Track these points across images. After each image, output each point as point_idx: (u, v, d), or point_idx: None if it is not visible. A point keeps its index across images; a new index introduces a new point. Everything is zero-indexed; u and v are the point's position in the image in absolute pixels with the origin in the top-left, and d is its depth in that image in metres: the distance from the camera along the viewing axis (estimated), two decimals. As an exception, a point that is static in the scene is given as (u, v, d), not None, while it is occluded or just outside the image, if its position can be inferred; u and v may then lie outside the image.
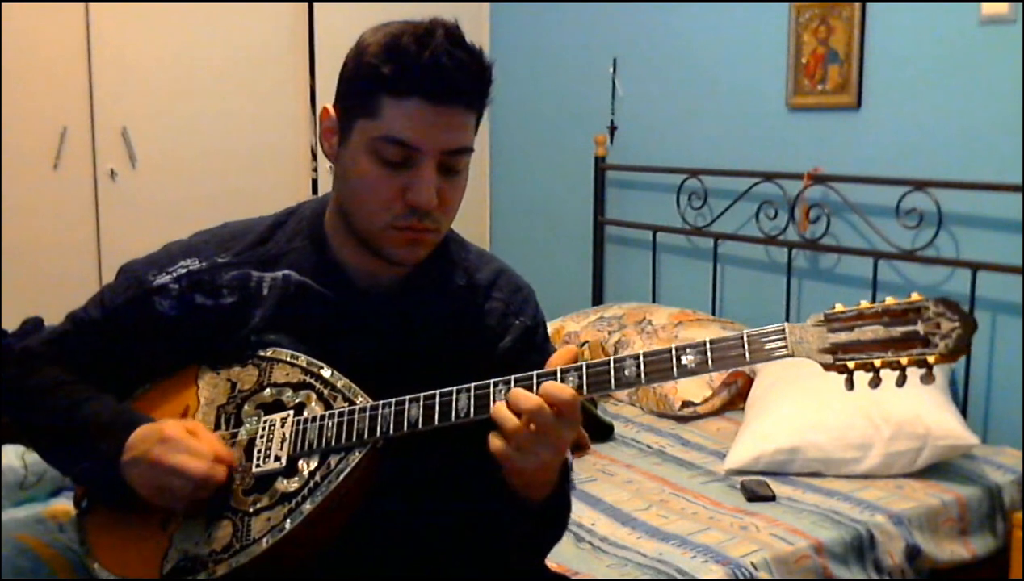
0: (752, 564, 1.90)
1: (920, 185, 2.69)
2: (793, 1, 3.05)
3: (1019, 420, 2.57)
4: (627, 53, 3.65)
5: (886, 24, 2.84)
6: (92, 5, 3.39)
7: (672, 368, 1.06)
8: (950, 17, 2.68)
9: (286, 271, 1.29)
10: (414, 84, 1.15)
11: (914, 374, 1.00)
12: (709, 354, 1.05)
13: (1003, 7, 2.55)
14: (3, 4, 3.22)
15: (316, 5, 3.76)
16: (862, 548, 2.07)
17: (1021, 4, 2.52)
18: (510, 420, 1.08)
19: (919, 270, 2.76)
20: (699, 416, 2.80)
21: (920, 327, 0.99)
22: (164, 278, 1.29)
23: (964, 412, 2.60)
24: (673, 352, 1.07)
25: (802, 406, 2.42)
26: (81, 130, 3.43)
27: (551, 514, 1.25)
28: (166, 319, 1.29)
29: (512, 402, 1.08)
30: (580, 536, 2.03)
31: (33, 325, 1.97)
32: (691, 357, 1.06)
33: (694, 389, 2.81)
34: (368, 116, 1.18)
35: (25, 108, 3.30)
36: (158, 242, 1.38)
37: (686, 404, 2.80)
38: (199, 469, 1.16)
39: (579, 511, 2.14)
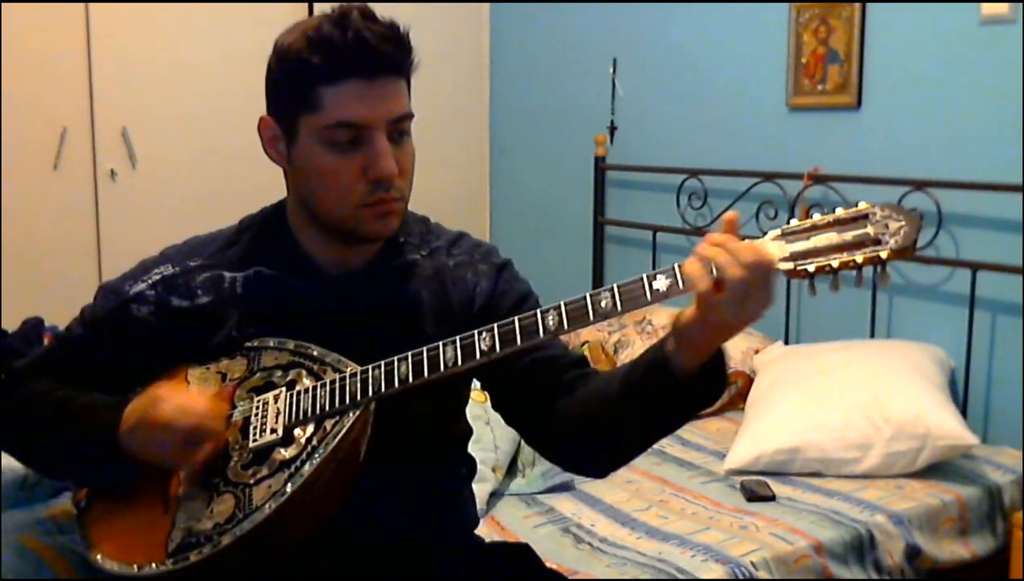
0: (752, 564, 1.90)
1: (920, 185, 2.69)
2: (793, 1, 3.05)
3: (1019, 420, 2.56)
4: (627, 53, 3.65)
5: (886, 24, 2.84)
6: (92, 5, 3.39)
7: (646, 294, 1.10)
8: (950, 17, 2.68)
9: (257, 268, 1.32)
10: (346, 65, 1.19)
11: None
12: (679, 276, 1.08)
13: (1003, 7, 2.55)
14: (3, 4, 3.22)
15: (316, 5, 3.76)
16: (862, 548, 2.07)
17: (1021, 4, 2.52)
18: (736, 268, 1.04)
19: (919, 270, 2.76)
20: (699, 416, 2.79)
21: (870, 229, 1.04)
22: (140, 286, 1.33)
23: (964, 412, 2.60)
24: (645, 278, 1.10)
25: (802, 406, 2.42)
26: (81, 130, 3.43)
27: (711, 376, 1.17)
28: (146, 325, 1.32)
29: (737, 254, 1.05)
30: (580, 536, 2.03)
31: (33, 325, 1.97)
32: (663, 281, 1.09)
33: (694, 389, 2.81)
34: (310, 110, 1.22)
35: (25, 108, 3.31)
36: (158, 242, 1.42)
37: (686, 404, 2.79)
38: (187, 422, 1.18)
39: (579, 511, 2.14)
